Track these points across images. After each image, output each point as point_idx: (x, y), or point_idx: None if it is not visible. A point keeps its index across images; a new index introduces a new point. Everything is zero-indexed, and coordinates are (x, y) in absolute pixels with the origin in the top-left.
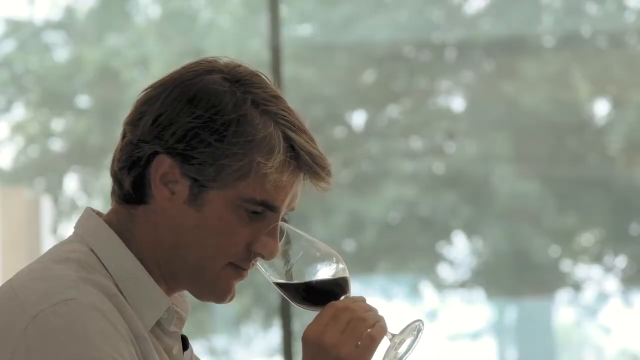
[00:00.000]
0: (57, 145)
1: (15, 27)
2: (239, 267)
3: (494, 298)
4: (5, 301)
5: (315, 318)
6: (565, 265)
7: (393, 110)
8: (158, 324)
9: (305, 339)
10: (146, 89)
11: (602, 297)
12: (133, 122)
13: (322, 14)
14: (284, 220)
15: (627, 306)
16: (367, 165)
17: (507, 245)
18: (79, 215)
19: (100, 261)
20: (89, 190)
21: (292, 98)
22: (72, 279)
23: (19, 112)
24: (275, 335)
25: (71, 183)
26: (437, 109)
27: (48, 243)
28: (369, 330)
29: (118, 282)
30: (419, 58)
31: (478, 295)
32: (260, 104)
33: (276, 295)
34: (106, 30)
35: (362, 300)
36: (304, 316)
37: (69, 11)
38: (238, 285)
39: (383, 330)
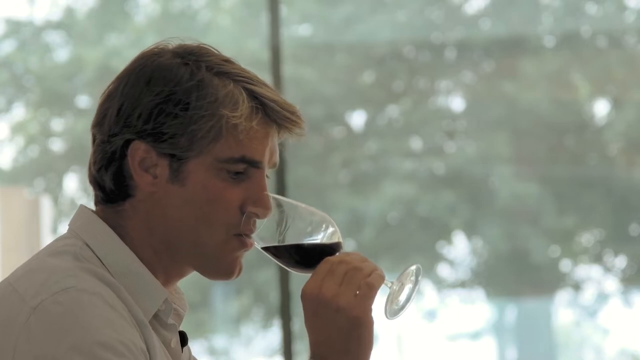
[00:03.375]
0: (57, 145)
1: (15, 27)
2: (240, 235)
3: (493, 298)
4: (5, 296)
5: (311, 275)
6: (565, 265)
7: (393, 110)
8: (156, 316)
9: (303, 296)
10: (104, 91)
11: (602, 297)
12: (99, 122)
13: (322, 14)
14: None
15: (627, 306)
16: (367, 165)
17: (506, 245)
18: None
19: (96, 255)
20: (88, 190)
21: (292, 98)
22: (70, 267)
23: (19, 112)
24: (275, 335)
25: (71, 183)
26: (437, 109)
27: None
28: (366, 279)
29: (114, 275)
30: (419, 58)
31: (478, 295)
32: (215, 68)
33: (276, 295)
34: (106, 30)
35: (356, 254)
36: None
37: (69, 11)
38: (238, 285)
39: (380, 278)
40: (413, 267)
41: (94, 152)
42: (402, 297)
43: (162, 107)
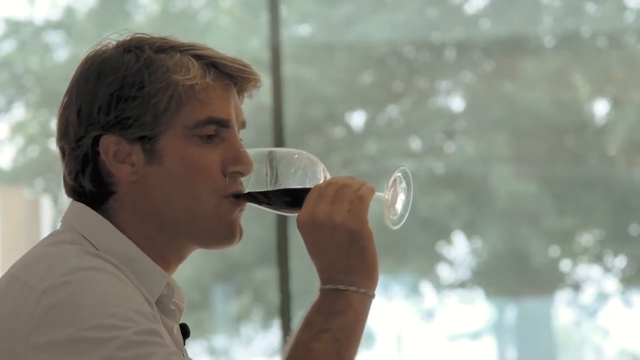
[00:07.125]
0: None
1: (15, 27)
2: (231, 196)
3: (493, 298)
4: (8, 287)
5: (303, 204)
6: (565, 265)
7: (393, 110)
8: (157, 302)
9: (299, 225)
10: (59, 107)
11: (602, 297)
12: (63, 133)
13: (321, 14)
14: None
15: (627, 306)
16: (367, 165)
17: (506, 245)
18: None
19: (93, 246)
20: None
21: (292, 98)
22: (71, 250)
23: (19, 112)
24: (275, 335)
25: None
26: (437, 109)
27: None
28: (357, 192)
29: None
30: (419, 58)
31: (477, 295)
32: (156, 46)
33: (276, 295)
34: (106, 30)
35: (342, 176)
36: None
37: (69, 11)
38: (238, 285)
39: (370, 190)
40: (399, 173)
41: (66, 162)
42: (399, 205)
43: (118, 95)
